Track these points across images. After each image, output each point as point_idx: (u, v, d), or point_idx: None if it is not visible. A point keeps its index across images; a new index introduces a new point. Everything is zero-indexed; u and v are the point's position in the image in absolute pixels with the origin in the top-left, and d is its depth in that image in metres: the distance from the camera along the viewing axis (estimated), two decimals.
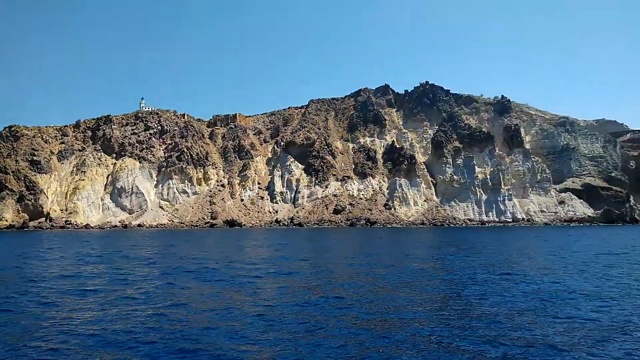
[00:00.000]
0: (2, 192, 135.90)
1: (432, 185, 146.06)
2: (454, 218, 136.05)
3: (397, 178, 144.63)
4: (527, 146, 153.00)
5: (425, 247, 50.93)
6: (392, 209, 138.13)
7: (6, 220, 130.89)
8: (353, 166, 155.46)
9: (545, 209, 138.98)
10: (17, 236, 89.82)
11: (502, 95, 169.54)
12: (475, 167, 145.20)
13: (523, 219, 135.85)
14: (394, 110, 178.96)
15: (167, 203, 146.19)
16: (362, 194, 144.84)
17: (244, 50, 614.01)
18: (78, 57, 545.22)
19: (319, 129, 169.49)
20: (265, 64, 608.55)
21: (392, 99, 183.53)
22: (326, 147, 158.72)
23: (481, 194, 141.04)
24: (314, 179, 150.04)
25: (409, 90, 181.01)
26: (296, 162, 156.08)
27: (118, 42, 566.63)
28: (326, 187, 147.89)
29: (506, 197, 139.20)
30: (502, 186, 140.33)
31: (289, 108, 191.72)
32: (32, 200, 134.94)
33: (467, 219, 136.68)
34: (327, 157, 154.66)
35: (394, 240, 63.74)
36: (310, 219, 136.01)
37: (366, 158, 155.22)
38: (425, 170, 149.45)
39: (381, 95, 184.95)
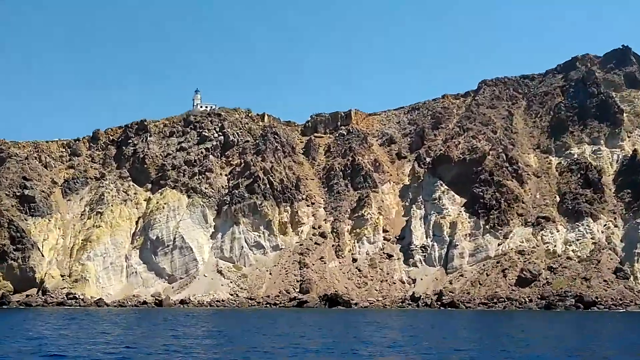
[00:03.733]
0: None
1: None
2: None
3: None
4: None
5: None
6: (631, 277, 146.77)
7: None
8: (557, 198, 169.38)
9: None
10: None
11: None
12: None
13: None
14: None
15: (230, 265, 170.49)
16: (574, 250, 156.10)
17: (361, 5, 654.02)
18: (94, 30, 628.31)
19: (495, 132, 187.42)
20: (401, 25, 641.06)
21: (637, 72, 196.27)
22: (507, 164, 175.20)
23: None
24: (482, 222, 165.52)
25: None
26: (451, 193, 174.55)
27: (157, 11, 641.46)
28: (505, 236, 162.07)
29: None
30: None
31: (443, 97, 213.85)
32: (19, 260, 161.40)
33: None
34: (509, 182, 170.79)
35: None
36: (474, 294, 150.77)
37: (583, 183, 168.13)
38: None
39: (615, 66, 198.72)
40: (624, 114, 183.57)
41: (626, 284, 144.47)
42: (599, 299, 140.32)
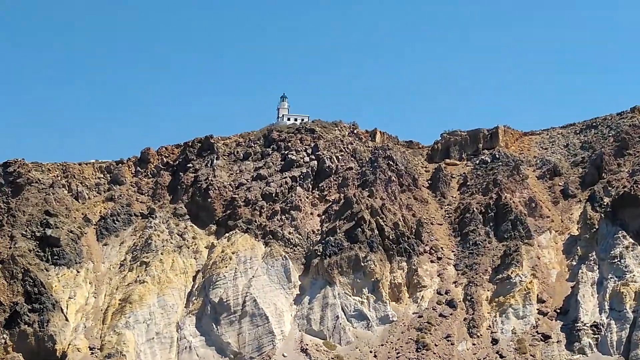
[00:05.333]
0: None
1: None
2: None
3: None
4: None
5: None
6: None
7: None
8: None
9: None
10: None
11: None
12: None
13: None
14: None
15: (320, 342, 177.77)
16: None
17: None
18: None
19: None
20: (574, 11, 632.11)
21: None
22: None
23: None
24: None
25: None
26: (639, 249, 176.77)
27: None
28: None
29: None
30: None
31: (632, 111, 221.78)
32: (35, 325, 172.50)
33: None
34: None
35: None
36: None
37: None
38: None
39: None
40: None
41: None
42: None
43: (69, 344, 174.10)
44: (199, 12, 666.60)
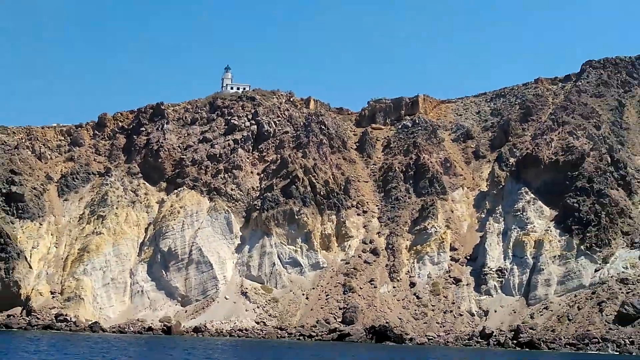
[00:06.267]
0: None
1: None
2: None
3: None
4: None
5: None
6: None
7: None
8: None
9: None
10: None
11: None
12: None
13: None
14: None
15: (258, 286, 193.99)
16: None
17: None
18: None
19: (598, 128, 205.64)
20: None
21: None
22: (611, 168, 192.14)
23: None
24: (576, 241, 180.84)
25: None
26: (539, 203, 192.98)
27: None
28: (604, 261, 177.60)
29: None
30: None
31: (536, 82, 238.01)
32: (1, 272, 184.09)
33: None
34: (613, 191, 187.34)
35: None
36: (560, 332, 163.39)
37: None
38: None
39: None
40: None
41: None
42: None
43: (32, 289, 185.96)
44: None
